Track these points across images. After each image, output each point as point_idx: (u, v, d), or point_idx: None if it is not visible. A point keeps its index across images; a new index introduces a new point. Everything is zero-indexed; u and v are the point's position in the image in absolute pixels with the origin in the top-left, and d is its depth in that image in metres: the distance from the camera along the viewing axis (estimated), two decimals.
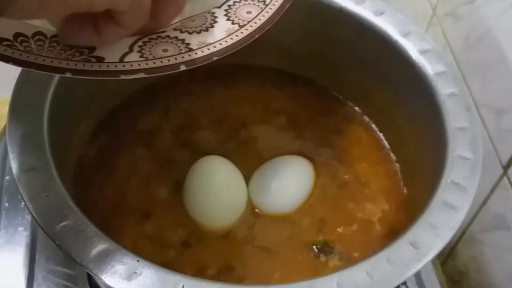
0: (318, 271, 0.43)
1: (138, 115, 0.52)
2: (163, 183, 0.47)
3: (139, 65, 0.33)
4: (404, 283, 0.48)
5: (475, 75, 0.53)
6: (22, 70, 0.42)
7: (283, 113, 0.53)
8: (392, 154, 0.51)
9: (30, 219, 0.51)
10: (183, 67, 0.34)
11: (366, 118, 0.54)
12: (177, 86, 0.54)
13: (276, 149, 0.50)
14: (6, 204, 0.52)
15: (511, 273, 0.51)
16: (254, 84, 0.55)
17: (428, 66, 0.45)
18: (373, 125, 0.53)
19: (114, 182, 0.47)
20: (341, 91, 0.55)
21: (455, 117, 0.42)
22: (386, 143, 0.52)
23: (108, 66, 0.33)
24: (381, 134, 0.52)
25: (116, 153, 0.49)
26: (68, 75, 0.32)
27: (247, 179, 0.47)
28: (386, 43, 0.48)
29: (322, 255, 0.44)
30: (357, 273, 0.34)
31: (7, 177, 0.54)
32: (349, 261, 0.44)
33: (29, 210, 0.35)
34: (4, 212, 0.52)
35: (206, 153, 0.48)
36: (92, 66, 0.33)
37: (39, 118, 0.40)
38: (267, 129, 0.52)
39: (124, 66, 0.33)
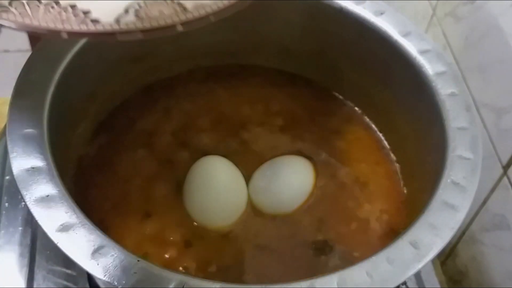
0: (318, 270, 0.43)
1: (138, 115, 0.52)
2: (164, 183, 0.47)
3: (135, 25, 0.33)
4: (404, 283, 0.47)
5: (475, 75, 0.53)
6: (22, 70, 0.42)
7: (283, 113, 0.53)
8: (392, 154, 0.51)
9: (30, 219, 0.51)
10: (180, 28, 0.34)
11: (366, 118, 0.54)
12: (177, 86, 0.54)
13: (276, 149, 0.50)
14: (6, 204, 0.52)
15: (511, 273, 0.51)
16: (254, 84, 0.55)
17: (428, 66, 0.45)
18: (373, 125, 0.53)
19: (115, 182, 0.47)
20: (341, 91, 0.55)
21: (455, 117, 0.42)
22: (386, 143, 0.52)
23: (104, 27, 0.33)
24: (381, 134, 0.52)
25: (116, 153, 0.49)
26: (64, 36, 0.32)
27: (247, 179, 0.47)
28: (386, 43, 0.48)
29: (322, 255, 0.44)
30: (357, 273, 0.34)
31: (7, 177, 0.54)
32: (349, 261, 0.44)
33: (29, 210, 0.35)
34: (4, 212, 0.52)
35: (206, 153, 0.48)
36: (87, 27, 0.32)
37: (39, 118, 0.40)
38: (267, 129, 0.52)
39: (120, 27, 0.33)
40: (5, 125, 0.39)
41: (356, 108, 0.54)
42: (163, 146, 0.50)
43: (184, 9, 0.34)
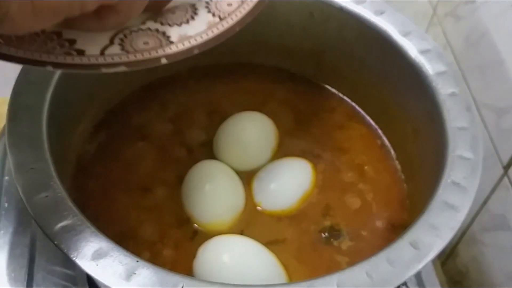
0: (334, 256, 0.44)
1: (137, 113, 0.52)
2: (163, 180, 0.47)
3: (120, 58, 0.33)
4: (405, 283, 0.47)
5: (476, 75, 0.53)
6: (21, 70, 0.42)
7: (283, 110, 0.53)
8: (393, 153, 0.51)
9: (29, 219, 0.51)
10: (164, 61, 0.34)
11: (367, 117, 0.54)
12: (176, 84, 0.54)
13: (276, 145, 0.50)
14: (6, 204, 0.52)
15: None
16: (254, 82, 0.55)
17: (428, 66, 0.45)
18: (374, 124, 0.53)
19: (114, 179, 0.47)
20: (341, 90, 0.55)
21: (456, 117, 0.42)
22: (387, 142, 0.52)
23: (89, 59, 0.33)
24: (382, 134, 0.52)
25: (115, 153, 0.49)
26: (49, 68, 0.32)
27: (247, 175, 0.47)
28: (386, 43, 0.47)
29: (332, 239, 0.45)
30: (357, 273, 0.34)
31: (6, 177, 0.53)
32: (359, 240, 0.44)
33: (28, 210, 0.35)
34: (3, 212, 0.52)
35: (205, 149, 0.49)
36: (73, 59, 0.32)
37: (38, 118, 0.40)
38: None
39: (105, 59, 0.33)
40: (5, 125, 0.39)
41: (357, 107, 0.54)
42: (162, 143, 0.50)
43: (170, 41, 0.35)
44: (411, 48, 0.46)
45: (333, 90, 0.55)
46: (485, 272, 0.55)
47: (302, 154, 0.50)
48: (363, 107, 0.54)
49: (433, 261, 0.52)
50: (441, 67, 0.45)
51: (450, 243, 0.36)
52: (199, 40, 0.35)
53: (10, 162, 0.37)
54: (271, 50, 0.56)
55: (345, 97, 0.55)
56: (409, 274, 0.34)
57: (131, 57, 0.33)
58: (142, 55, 0.33)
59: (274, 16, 0.53)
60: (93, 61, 0.33)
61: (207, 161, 0.47)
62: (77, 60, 0.32)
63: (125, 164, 0.48)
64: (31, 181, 0.36)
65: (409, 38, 0.47)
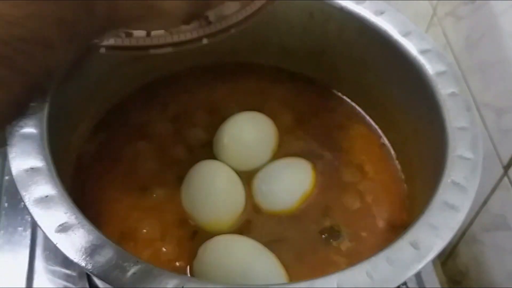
0: (333, 257, 0.44)
1: (137, 113, 0.52)
2: (163, 180, 0.47)
3: (165, 39, 0.34)
4: (405, 283, 0.47)
5: (476, 75, 0.53)
6: None
7: (283, 110, 0.53)
8: (393, 153, 0.51)
9: (29, 219, 0.51)
10: (205, 41, 0.35)
11: (367, 117, 0.54)
12: (176, 83, 0.54)
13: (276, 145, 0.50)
14: (6, 204, 0.52)
15: None
16: (254, 82, 0.55)
17: (428, 66, 0.45)
18: (374, 124, 0.53)
19: (114, 178, 0.47)
20: (341, 90, 0.55)
21: (456, 117, 0.42)
22: (387, 142, 0.52)
23: (137, 41, 0.34)
24: (382, 134, 0.52)
25: (115, 153, 0.49)
26: (102, 51, 0.33)
27: (247, 174, 0.47)
28: (386, 43, 0.47)
29: (331, 240, 0.45)
30: (357, 273, 0.34)
31: (6, 177, 0.54)
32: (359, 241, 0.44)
33: (28, 210, 0.35)
34: (3, 212, 0.52)
35: (205, 150, 0.49)
36: (122, 41, 0.34)
37: (38, 118, 0.39)
38: None
39: (152, 40, 0.34)
40: None
41: (357, 107, 0.54)
42: (162, 143, 0.50)
43: (208, 21, 0.36)
44: (411, 48, 0.46)
45: (333, 90, 0.55)
46: (485, 272, 0.55)
47: (302, 154, 0.50)
48: (363, 107, 0.54)
49: (433, 261, 0.52)
50: (441, 67, 0.45)
51: (450, 243, 0.36)
52: (235, 19, 0.36)
53: (10, 162, 0.37)
54: (271, 50, 0.56)
55: (345, 97, 0.55)
56: (409, 274, 0.34)
57: (175, 38, 0.35)
58: (185, 35, 0.35)
59: (274, 16, 0.53)
60: (141, 42, 0.34)
61: (207, 161, 0.47)
62: (126, 42, 0.34)
63: (125, 164, 0.48)
64: (31, 181, 0.36)
65: (409, 38, 0.47)
